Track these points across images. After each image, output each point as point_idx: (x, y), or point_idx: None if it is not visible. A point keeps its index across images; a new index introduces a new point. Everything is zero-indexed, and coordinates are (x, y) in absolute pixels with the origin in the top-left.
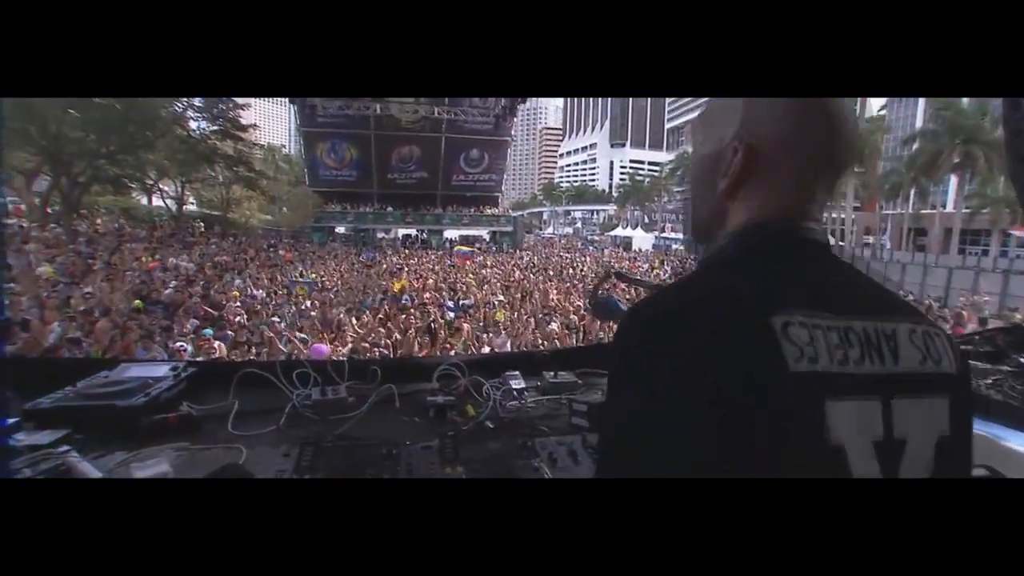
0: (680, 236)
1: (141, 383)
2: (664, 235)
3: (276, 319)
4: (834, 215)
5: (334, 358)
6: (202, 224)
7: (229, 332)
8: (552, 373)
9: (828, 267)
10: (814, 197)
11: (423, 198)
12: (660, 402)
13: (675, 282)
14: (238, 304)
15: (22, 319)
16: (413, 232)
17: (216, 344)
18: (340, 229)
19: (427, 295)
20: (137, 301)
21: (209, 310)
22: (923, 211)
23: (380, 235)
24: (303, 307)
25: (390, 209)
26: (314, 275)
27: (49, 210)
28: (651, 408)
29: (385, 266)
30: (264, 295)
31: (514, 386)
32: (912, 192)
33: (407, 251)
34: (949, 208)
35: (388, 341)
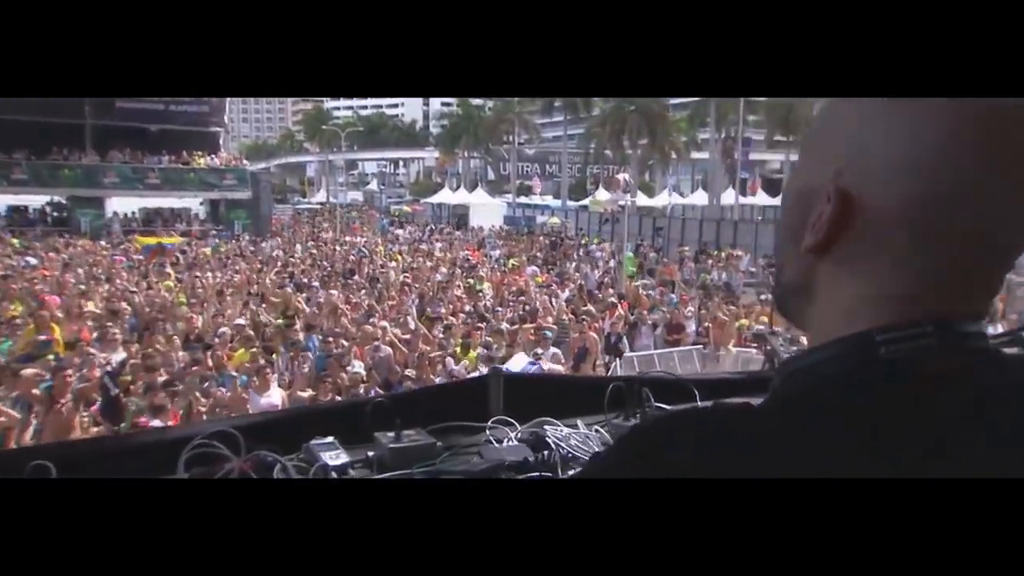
0: (554, 202)
1: None
2: (524, 200)
3: None
4: None
5: None
6: None
7: None
8: (392, 434)
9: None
10: (971, 281)
11: (56, 134)
12: None
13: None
14: None
15: None
16: (36, 203)
17: None
18: None
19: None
20: None
21: None
22: None
23: None
24: None
25: None
26: None
27: None
28: None
29: None
30: None
31: (328, 461)
32: None
33: (18, 239)
34: None
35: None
